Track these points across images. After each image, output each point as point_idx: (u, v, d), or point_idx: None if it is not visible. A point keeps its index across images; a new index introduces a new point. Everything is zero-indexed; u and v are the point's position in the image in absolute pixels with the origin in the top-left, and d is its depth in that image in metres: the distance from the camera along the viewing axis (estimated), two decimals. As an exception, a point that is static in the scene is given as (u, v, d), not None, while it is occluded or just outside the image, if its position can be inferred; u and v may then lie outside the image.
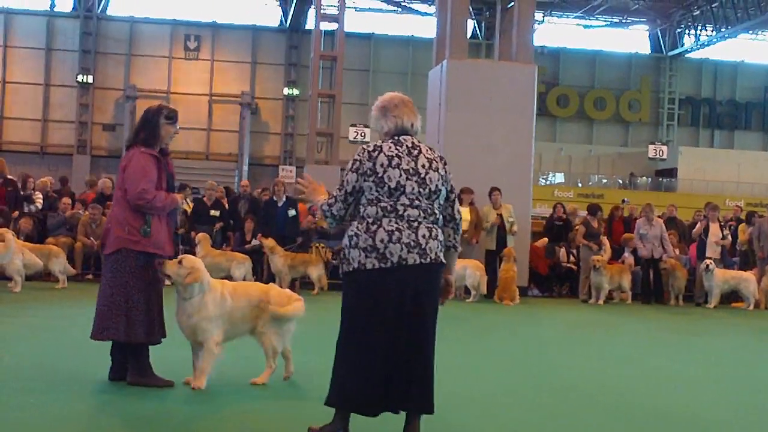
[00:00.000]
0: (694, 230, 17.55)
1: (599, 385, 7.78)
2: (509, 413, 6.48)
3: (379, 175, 5.20)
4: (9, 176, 16.58)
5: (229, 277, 13.61)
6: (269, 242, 15.13)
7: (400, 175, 5.20)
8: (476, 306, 14.80)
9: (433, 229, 5.26)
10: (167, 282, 6.86)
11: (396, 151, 5.26)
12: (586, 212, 17.62)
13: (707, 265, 16.49)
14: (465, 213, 16.15)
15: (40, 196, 16.88)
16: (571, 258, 17.83)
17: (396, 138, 5.36)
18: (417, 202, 5.21)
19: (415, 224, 5.19)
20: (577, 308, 15.58)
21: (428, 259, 5.18)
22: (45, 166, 44.63)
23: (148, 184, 6.56)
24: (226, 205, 17.48)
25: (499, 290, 15.43)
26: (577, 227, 17.64)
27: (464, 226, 16.08)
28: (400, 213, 5.18)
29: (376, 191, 5.19)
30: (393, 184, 5.18)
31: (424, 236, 5.18)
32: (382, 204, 5.19)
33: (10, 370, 7.12)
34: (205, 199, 17.17)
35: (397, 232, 5.14)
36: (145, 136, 6.78)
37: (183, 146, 45.60)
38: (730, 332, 13.39)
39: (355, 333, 5.20)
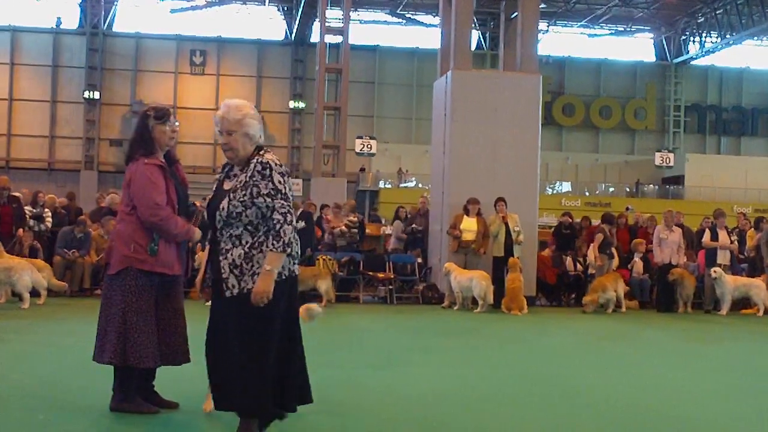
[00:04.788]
0: (703, 239, 17.51)
1: (607, 395, 7.74)
2: (516, 422, 6.47)
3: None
4: (13, 193, 16.59)
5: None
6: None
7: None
8: (484, 316, 14.78)
9: None
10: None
11: None
12: (601, 221, 17.59)
13: (714, 273, 16.47)
14: (472, 224, 16.18)
15: (49, 213, 16.91)
16: (578, 266, 17.80)
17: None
18: None
19: None
20: (584, 317, 15.53)
21: None
22: (52, 182, 44.81)
23: (160, 196, 6.07)
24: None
25: (507, 300, 15.41)
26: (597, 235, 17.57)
27: (471, 236, 16.11)
28: None
29: None
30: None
31: None
32: None
33: (16, 388, 7.11)
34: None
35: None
36: (141, 144, 6.21)
37: (190, 161, 45.77)
38: (742, 339, 13.31)
39: (276, 340, 5.28)
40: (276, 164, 5.24)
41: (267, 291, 5.08)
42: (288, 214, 5.18)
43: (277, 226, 5.13)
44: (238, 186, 5.20)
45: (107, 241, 16.26)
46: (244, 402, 5.21)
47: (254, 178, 5.18)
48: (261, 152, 5.30)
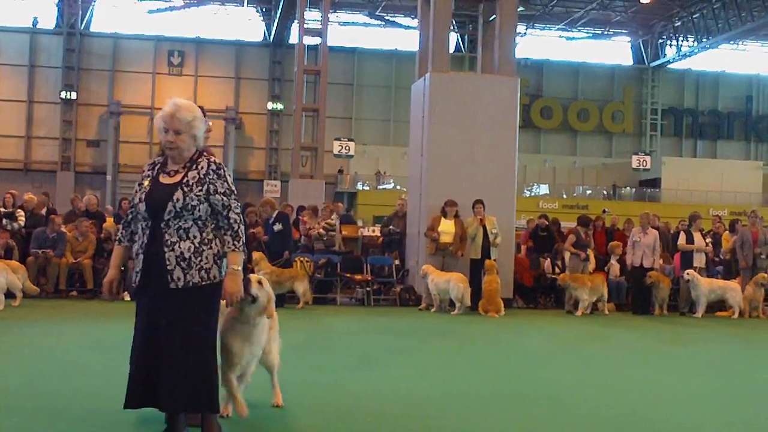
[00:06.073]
0: (679, 242, 17.63)
1: (584, 396, 7.78)
2: (493, 423, 6.49)
3: None
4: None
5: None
6: (257, 255, 15.09)
7: None
8: (461, 318, 14.81)
9: None
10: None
11: None
12: (576, 223, 17.70)
13: (687, 276, 16.62)
14: (450, 226, 16.21)
15: (22, 213, 16.81)
16: (556, 269, 17.88)
17: None
18: None
19: None
20: (562, 319, 15.60)
21: None
22: (29, 182, 44.41)
23: None
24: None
25: (484, 302, 15.45)
26: (568, 235, 17.73)
27: (449, 238, 16.14)
28: None
29: None
30: None
31: None
32: None
33: (-6, 390, 7.08)
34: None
35: None
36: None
37: (167, 162, 45.50)
38: (717, 341, 13.42)
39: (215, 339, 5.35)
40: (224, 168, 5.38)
41: (239, 290, 5.23)
42: (241, 214, 5.34)
43: (235, 226, 5.26)
44: (192, 182, 5.22)
45: (82, 243, 16.29)
46: (207, 399, 5.21)
47: (209, 177, 5.25)
48: (205, 153, 5.37)
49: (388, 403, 7.03)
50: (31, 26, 50.21)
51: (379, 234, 19.81)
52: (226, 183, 5.28)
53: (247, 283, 5.65)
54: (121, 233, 5.51)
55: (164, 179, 5.29)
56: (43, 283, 15.86)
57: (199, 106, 6.07)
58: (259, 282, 5.80)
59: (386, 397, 7.29)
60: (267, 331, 5.97)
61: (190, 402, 5.21)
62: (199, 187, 5.21)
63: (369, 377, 8.29)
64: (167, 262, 5.15)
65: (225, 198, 5.25)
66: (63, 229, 16.65)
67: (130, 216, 5.45)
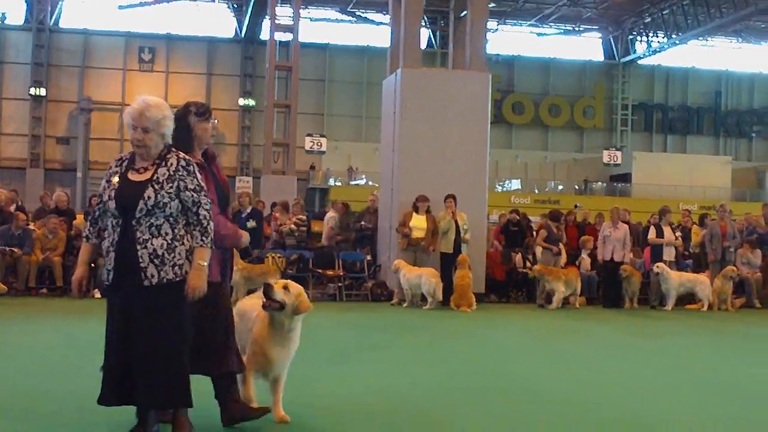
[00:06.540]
0: (649, 236, 17.75)
1: (555, 389, 7.83)
2: (465, 417, 6.52)
3: None
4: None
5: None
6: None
7: None
8: (433, 313, 14.84)
9: None
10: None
11: None
12: (548, 218, 17.79)
13: (657, 269, 16.76)
14: (421, 221, 16.22)
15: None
16: (528, 263, 17.96)
17: None
18: None
19: None
20: (534, 313, 15.68)
21: None
22: (-3, 179, 44.07)
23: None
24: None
25: (455, 297, 15.49)
26: (537, 230, 17.85)
27: (420, 234, 16.16)
28: None
29: None
30: None
31: None
32: None
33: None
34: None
35: None
36: (181, 142, 5.68)
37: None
38: (686, 334, 13.54)
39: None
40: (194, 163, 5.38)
41: (202, 286, 5.20)
42: (210, 211, 5.32)
43: (204, 222, 5.25)
44: (162, 179, 5.20)
45: (52, 240, 16.18)
46: (180, 394, 5.22)
47: (179, 173, 5.23)
48: (173, 150, 5.34)
49: (359, 398, 7.05)
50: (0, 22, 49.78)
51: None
52: (195, 179, 5.27)
53: (269, 289, 5.72)
54: (89, 230, 5.47)
55: (133, 176, 5.26)
56: (13, 281, 15.74)
57: (202, 104, 6.03)
58: (285, 287, 5.81)
59: (358, 392, 7.31)
60: (299, 332, 5.98)
61: (166, 398, 5.22)
62: (170, 184, 5.20)
63: (342, 373, 8.30)
64: (140, 260, 5.13)
65: (195, 194, 5.24)
66: (32, 226, 16.52)
67: (97, 213, 5.41)
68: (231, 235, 5.98)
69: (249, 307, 6.20)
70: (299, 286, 5.96)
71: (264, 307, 5.78)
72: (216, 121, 6.08)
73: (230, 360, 5.84)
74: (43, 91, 48.77)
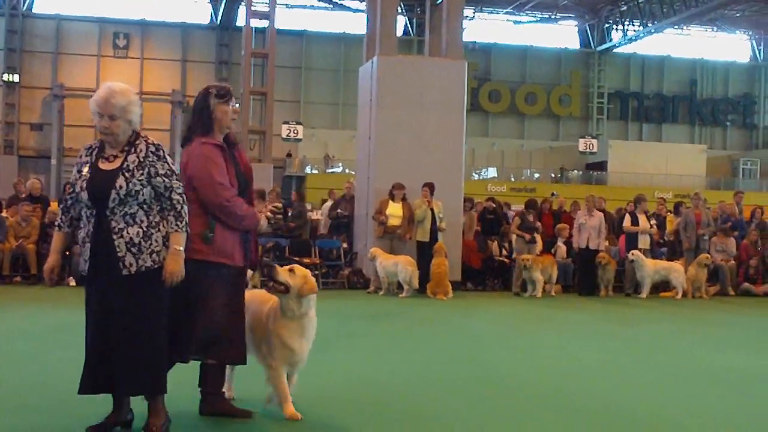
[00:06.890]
0: (624, 224, 17.83)
1: (531, 376, 7.86)
2: (442, 405, 6.52)
3: None
4: None
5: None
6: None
7: None
8: (409, 301, 14.86)
9: None
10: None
11: None
12: (524, 207, 17.84)
13: (632, 256, 16.87)
14: (398, 209, 16.22)
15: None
16: (504, 251, 18.00)
17: None
18: None
19: None
20: (510, 301, 15.73)
21: None
22: (-30, 167, 43.62)
23: (223, 175, 5.67)
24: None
25: (432, 285, 15.51)
26: (514, 218, 17.90)
27: (397, 222, 16.17)
28: None
29: None
30: None
31: None
32: None
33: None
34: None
35: None
36: (200, 124, 5.78)
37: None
38: (661, 321, 13.63)
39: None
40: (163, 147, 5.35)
41: (180, 271, 5.17)
42: (184, 194, 5.28)
43: (178, 207, 5.22)
44: (132, 166, 5.16)
45: (26, 228, 16.05)
46: (157, 382, 5.21)
47: (149, 159, 5.20)
48: (141, 136, 5.30)
49: (336, 386, 7.05)
50: (-28, 7, 49.22)
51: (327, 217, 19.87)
52: (166, 164, 5.23)
53: (272, 271, 5.68)
54: (61, 219, 5.42)
55: (104, 165, 5.21)
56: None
57: (223, 86, 5.96)
58: (291, 270, 5.75)
59: (334, 380, 7.30)
60: (315, 321, 5.91)
61: (143, 385, 5.21)
62: (140, 171, 5.16)
63: (319, 361, 8.20)
64: (117, 249, 5.10)
65: (167, 179, 5.20)
66: (5, 214, 16.38)
67: (69, 201, 5.36)
68: (249, 216, 5.86)
69: (248, 300, 6.05)
70: (305, 269, 5.91)
71: (268, 289, 5.74)
72: (237, 104, 5.99)
73: (241, 350, 5.80)
74: (16, 77, 48.26)
